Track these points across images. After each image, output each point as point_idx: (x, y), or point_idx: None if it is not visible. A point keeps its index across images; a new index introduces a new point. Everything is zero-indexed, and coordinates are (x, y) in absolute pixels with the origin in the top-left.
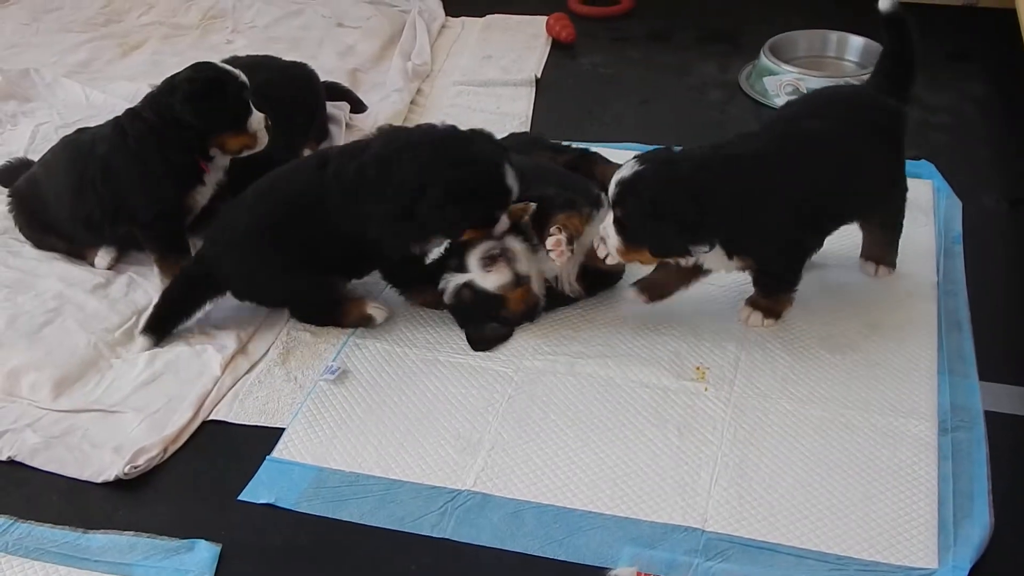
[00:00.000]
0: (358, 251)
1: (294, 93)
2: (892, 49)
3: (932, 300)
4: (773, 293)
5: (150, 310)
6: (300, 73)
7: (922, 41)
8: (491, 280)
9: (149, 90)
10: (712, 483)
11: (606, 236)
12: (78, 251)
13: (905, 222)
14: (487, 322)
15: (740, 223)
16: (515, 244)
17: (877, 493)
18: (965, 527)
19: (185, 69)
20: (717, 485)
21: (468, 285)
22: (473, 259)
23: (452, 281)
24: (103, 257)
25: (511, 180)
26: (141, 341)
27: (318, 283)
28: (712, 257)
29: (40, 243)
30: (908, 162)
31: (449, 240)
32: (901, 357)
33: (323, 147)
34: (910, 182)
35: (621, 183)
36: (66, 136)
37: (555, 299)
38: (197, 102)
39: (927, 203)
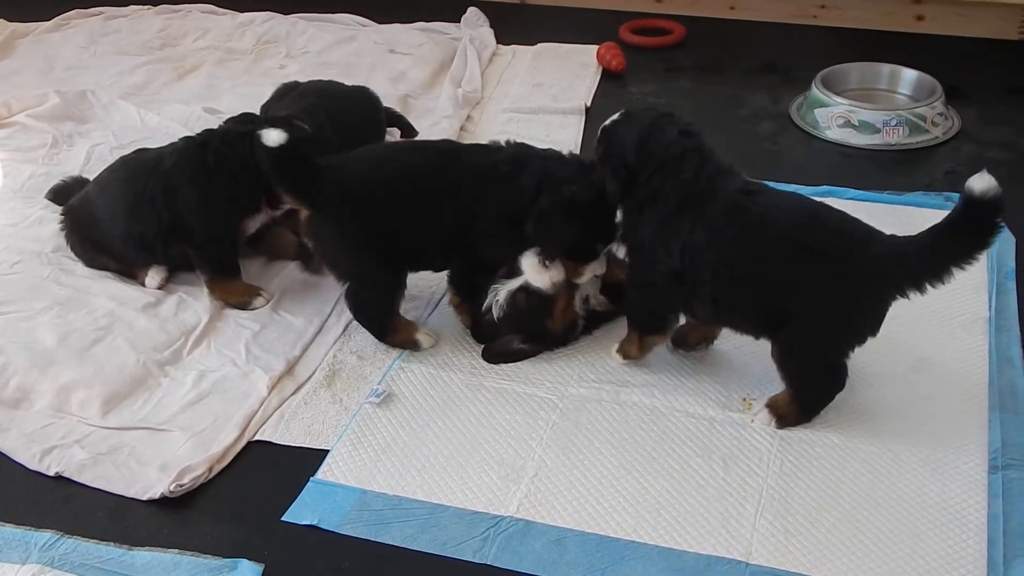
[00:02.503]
0: (448, 244)
1: (361, 117)
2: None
3: (983, 335)
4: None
5: None
6: (365, 98)
7: (978, 75)
8: (547, 278)
9: (204, 113)
10: (757, 515)
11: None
12: (129, 270)
13: None
14: (520, 335)
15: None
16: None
17: (925, 530)
18: (1016, 567)
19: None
20: (762, 517)
21: (523, 288)
22: (527, 260)
23: (504, 288)
24: (153, 277)
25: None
26: None
27: (386, 271)
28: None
29: (92, 262)
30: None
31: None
32: (951, 393)
33: None
34: None
35: (601, 128)
36: (124, 156)
37: (589, 320)
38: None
39: None
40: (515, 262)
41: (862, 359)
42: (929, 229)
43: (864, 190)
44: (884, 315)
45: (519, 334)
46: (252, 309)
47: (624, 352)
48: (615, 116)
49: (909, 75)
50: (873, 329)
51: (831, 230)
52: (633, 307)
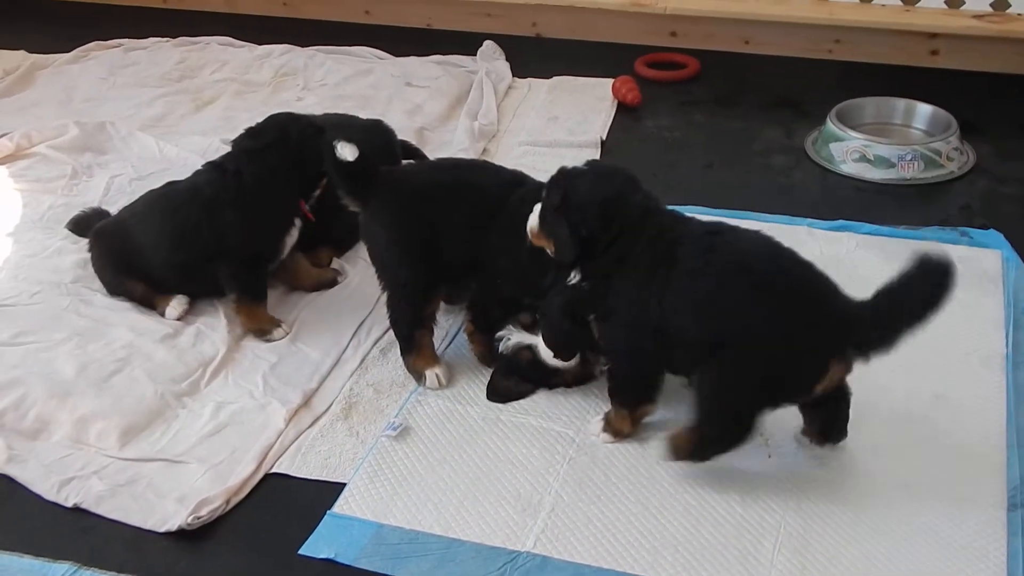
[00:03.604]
0: (477, 266)
1: (374, 151)
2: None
3: (1001, 371)
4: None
5: None
6: (379, 131)
7: (994, 110)
8: (559, 363)
9: (223, 145)
10: (775, 552)
11: (533, 215)
12: (150, 300)
13: (974, 291)
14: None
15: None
16: None
17: (944, 568)
18: None
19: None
20: (780, 554)
21: (530, 348)
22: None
23: (516, 336)
24: (175, 307)
25: None
26: None
27: (423, 280)
28: None
29: (116, 288)
30: (977, 231)
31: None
32: (969, 429)
33: None
34: (979, 251)
35: (560, 172)
36: (154, 189)
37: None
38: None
39: (996, 273)
40: (536, 309)
41: (879, 395)
42: (879, 294)
43: (879, 224)
44: (819, 378)
45: (522, 380)
46: (270, 340)
47: (615, 430)
48: (579, 167)
49: (924, 110)
50: (804, 389)
51: (799, 279)
52: (622, 378)
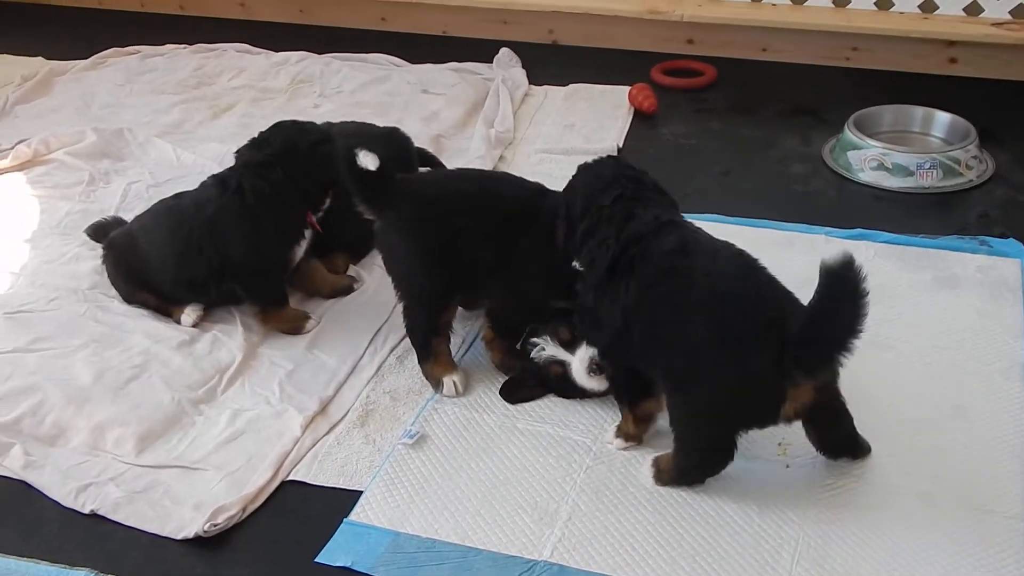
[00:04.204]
0: (493, 275)
1: (391, 159)
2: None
3: (1020, 382)
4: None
5: None
6: (396, 139)
7: (1012, 118)
8: (593, 384)
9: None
10: (793, 563)
11: None
12: (165, 308)
13: (993, 301)
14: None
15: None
16: None
17: None
18: None
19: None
20: (798, 565)
21: (563, 364)
22: (577, 360)
23: (551, 349)
24: (189, 315)
25: None
26: None
27: (438, 289)
28: None
29: (131, 297)
30: (996, 240)
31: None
32: (988, 440)
33: None
34: (998, 260)
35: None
36: (164, 201)
37: None
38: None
39: (1015, 282)
40: (563, 319)
41: (898, 405)
42: (808, 313)
43: (897, 233)
44: (777, 404)
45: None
46: (306, 333)
47: (624, 433)
48: (594, 159)
49: (943, 118)
50: (769, 414)
51: (740, 305)
52: (611, 377)
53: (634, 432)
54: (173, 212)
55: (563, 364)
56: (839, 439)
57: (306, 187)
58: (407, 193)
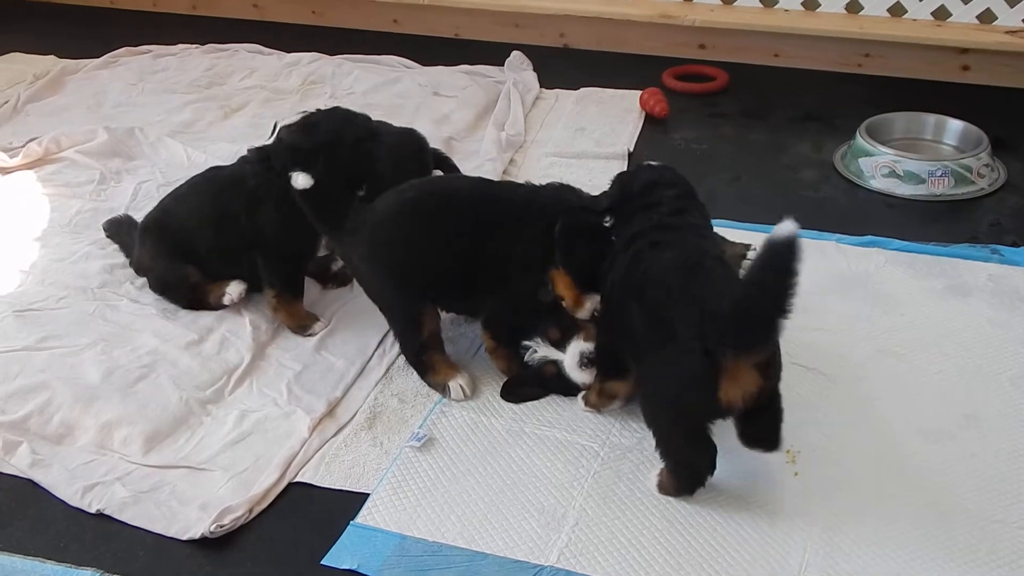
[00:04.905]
0: (477, 281)
1: (408, 158)
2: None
3: None
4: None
5: None
6: (412, 139)
7: None
8: (582, 376)
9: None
10: (801, 571)
11: None
12: (204, 288)
13: (1004, 310)
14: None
15: None
16: None
17: None
18: None
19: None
20: (806, 573)
21: (555, 364)
22: (570, 352)
23: (542, 350)
24: (233, 290)
25: None
26: None
27: (411, 304)
28: None
29: (171, 273)
30: (1008, 249)
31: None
32: (999, 450)
33: None
34: (1009, 269)
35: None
36: (199, 174)
37: None
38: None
39: None
40: (556, 319)
41: (908, 414)
42: (737, 289)
43: (908, 240)
44: (714, 388)
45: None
46: (312, 335)
47: (587, 399)
48: (650, 162)
49: (955, 125)
50: (709, 401)
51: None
52: (596, 346)
53: (594, 401)
54: (215, 180)
55: (556, 363)
56: (762, 433)
57: (344, 181)
58: (358, 215)
